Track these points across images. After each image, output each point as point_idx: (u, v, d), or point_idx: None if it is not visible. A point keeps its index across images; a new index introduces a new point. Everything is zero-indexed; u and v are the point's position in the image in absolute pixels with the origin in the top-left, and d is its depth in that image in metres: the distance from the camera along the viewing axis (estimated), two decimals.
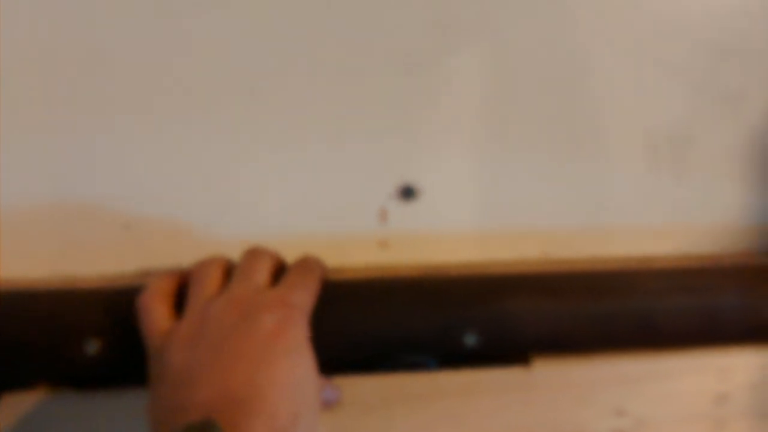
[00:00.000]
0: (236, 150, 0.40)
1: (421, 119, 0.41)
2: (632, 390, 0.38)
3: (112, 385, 0.36)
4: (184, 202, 0.41)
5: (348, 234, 0.42)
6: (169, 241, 0.41)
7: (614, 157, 0.43)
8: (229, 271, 0.35)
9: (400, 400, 0.37)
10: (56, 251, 0.40)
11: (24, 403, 0.36)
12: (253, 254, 0.35)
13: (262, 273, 0.34)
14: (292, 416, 0.30)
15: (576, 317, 0.37)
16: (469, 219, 0.43)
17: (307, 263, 0.36)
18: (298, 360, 0.31)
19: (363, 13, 0.39)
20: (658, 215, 0.44)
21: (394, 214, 0.42)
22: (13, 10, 0.37)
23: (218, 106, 0.40)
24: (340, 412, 0.37)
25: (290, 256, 0.37)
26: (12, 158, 0.39)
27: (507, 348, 0.37)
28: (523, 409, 0.38)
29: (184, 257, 0.37)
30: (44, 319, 0.35)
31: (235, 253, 0.36)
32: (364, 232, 0.42)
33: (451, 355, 0.38)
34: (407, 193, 0.42)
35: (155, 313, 0.33)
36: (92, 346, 0.34)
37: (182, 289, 0.35)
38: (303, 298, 0.33)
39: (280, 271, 0.36)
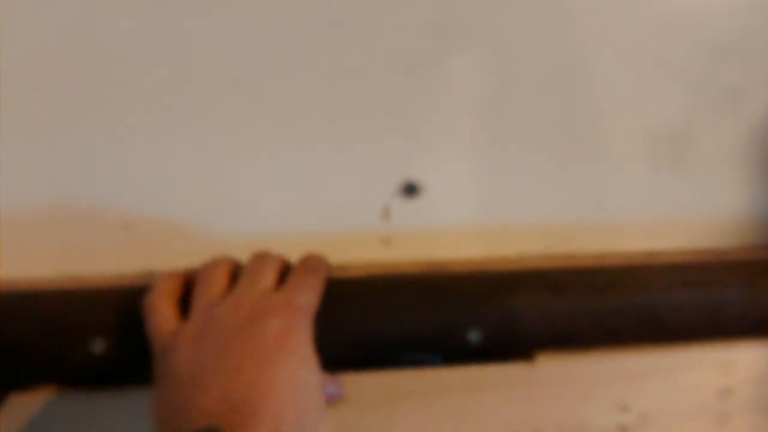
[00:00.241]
0: (237, 149, 0.40)
1: (423, 118, 0.41)
2: (636, 385, 0.38)
3: (117, 384, 0.36)
4: (186, 201, 0.41)
5: (351, 232, 0.42)
6: (170, 241, 0.41)
7: (615, 154, 0.43)
8: (235, 272, 0.35)
9: (405, 396, 0.38)
10: (57, 252, 0.40)
11: (29, 403, 0.36)
12: (260, 257, 0.35)
13: (268, 276, 0.34)
14: (296, 420, 0.30)
15: (579, 313, 0.37)
16: (471, 216, 0.43)
17: (311, 262, 0.36)
18: (301, 364, 0.31)
19: (363, 13, 0.39)
20: (660, 211, 0.44)
21: (396, 212, 0.42)
22: (13, 11, 0.37)
23: (219, 106, 0.40)
24: (345, 409, 0.37)
25: (293, 254, 0.37)
26: (12, 159, 0.39)
27: (510, 344, 0.37)
28: (526, 405, 0.38)
29: (186, 257, 0.37)
30: (49, 320, 0.35)
31: (237, 253, 0.36)
32: (367, 229, 0.42)
33: (454, 352, 0.38)
34: (410, 190, 0.42)
35: (161, 313, 0.33)
36: (97, 346, 0.34)
37: (189, 290, 0.35)
38: (307, 299, 0.33)
39: (285, 273, 0.36)
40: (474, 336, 0.37)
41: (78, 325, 0.35)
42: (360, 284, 0.38)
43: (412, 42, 0.40)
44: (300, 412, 0.30)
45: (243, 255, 0.36)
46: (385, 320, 0.36)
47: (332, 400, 0.37)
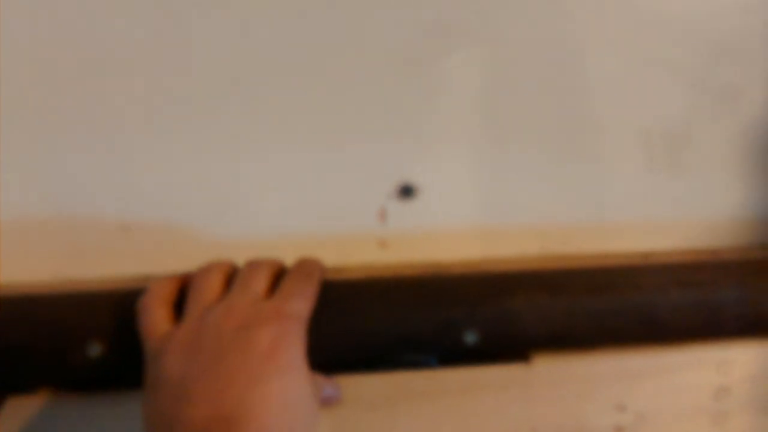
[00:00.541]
0: (234, 151, 0.40)
1: (420, 119, 0.41)
2: (633, 385, 0.39)
3: (114, 388, 0.36)
4: (183, 203, 0.41)
5: (347, 234, 0.42)
6: (168, 243, 0.41)
7: (612, 154, 0.43)
8: (231, 277, 0.35)
9: (402, 398, 0.38)
10: (56, 255, 0.40)
11: (27, 407, 0.36)
12: (253, 264, 0.35)
13: (261, 282, 0.34)
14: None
15: (575, 313, 0.37)
16: (468, 217, 0.43)
17: (305, 267, 0.36)
18: (292, 378, 0.31)
19: (361, 13, 0.39)
20: (656, 211, 0.44)
21: (393, 214, 0.42)
22: (12, 14, 0.37)
23: (216, 107, 0.40)
24: (342, 411, 0.37)
25: (289, 256, 0.37)
26: (10, 162, 0.39)
27: (507, 345, 0.38)
28: (523, 406, 0.38)
29: (184, 259, 0.38)
30: (46, 323, 0.35)
31: (234, 255, 0.36)
32: (364, 231, 0.42)
33: (451, 353, 0.38)
34: (406, 192, 0.42)
35: (154, 316, 0.33)
36: (94, 349, 0.34)
37: (183, 294, 0.35)
38: (300, 307, 0.33)
39: (280, 276, 0.36)
40: (471, 337, 0.37)
41: (75, 328, 0.35)
42: (357, 286, 0.38)
43: (409, 42, 0.40)
44: (290, 424, 0.30)
45: (240, 257, 0.36)
46: (382, 322, 0.37)
47: (329, 402, 0.37)
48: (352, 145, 0.41)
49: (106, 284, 0.39)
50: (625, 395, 0.39)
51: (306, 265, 0.36)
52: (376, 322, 0.36)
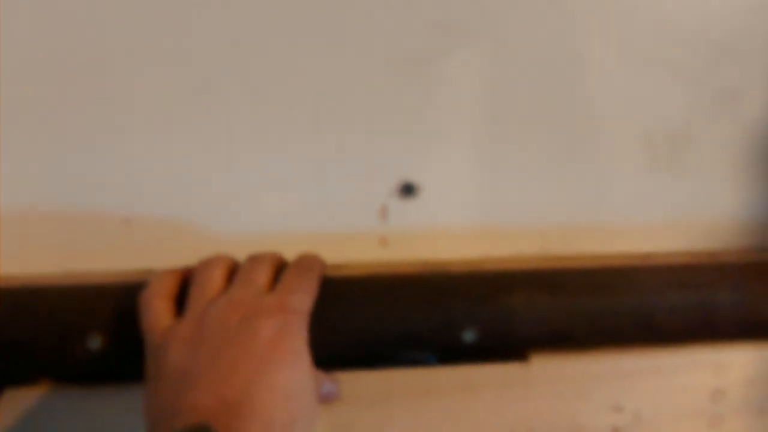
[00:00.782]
0: (236, 148, 0.40)
1: (422, 118, 0.41)
2: (630, 385, 0.39)
3: (114, 380, 0.36)
4: (184, 198, 0.41)
5: (348, 231, 0.42)
6: (168, 238, 0.41)
7: (612, 154, 0.43)
8: (232, 271, 0.35)
9: (400, 395, 0.38)
10: (57, 248, 0.40)
11: (26, 398, 0.36)
12: (255, 257, 0.36)
13: (262, 275, 0.34)
14: (287, 424, 0.30)
15: (574, 313, 0.38)
16: (468, 216, 0.43)
17: (306, 262, 0.36)
18: (295, 368, 0.32)
19: (364, 11, 0.39)
20: (656, 212, 0.44)
21: (394, 212, 0.42)
22: (13, 11, 0.37)
23: (218, 104, 0.40)
24: (340, 408, 0.37)
25: (290, 253, 0.37)
26: (13, 155, 0.39)
27: (505, 344, 0.38)
28: (521, 405, 0.38)
29: (185, 254, 0.37)
30: (46, 315, 0.36)
31: (234, 250, 0.36)
32: (365, 229, 0.42)
33: (450, 351, 0.38)
34: (407, 190, 0.42)
35: (156, 310, 0.33)
36: (95, 342, 0.35)
37: (185, 288, 0.35)
38: (302, 301, 0.34)
39: (281, 271, 0.36)
40: (469, 335, 0.37)
41: (76, 321, 0.35)
42: (356, 284, 0.38)
43: (410, 40, 0.40)
44: (292, 414, 0.30)
45: (240, 253, 0.36)
46: (381, 319, 0.37)
47: (328, 399, 0.37)
48: (353, 143, 0.41)
49: (107, 278, 0.39)
50: (622, 396, 0.39)
51: (306, 260, 0.36)
52: (376, 320, 0.37)
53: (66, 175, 0.40)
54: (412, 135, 0.42)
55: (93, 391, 0.36)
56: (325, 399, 0.36)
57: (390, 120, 0.41)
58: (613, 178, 0.44)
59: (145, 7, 0.38)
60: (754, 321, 0.39)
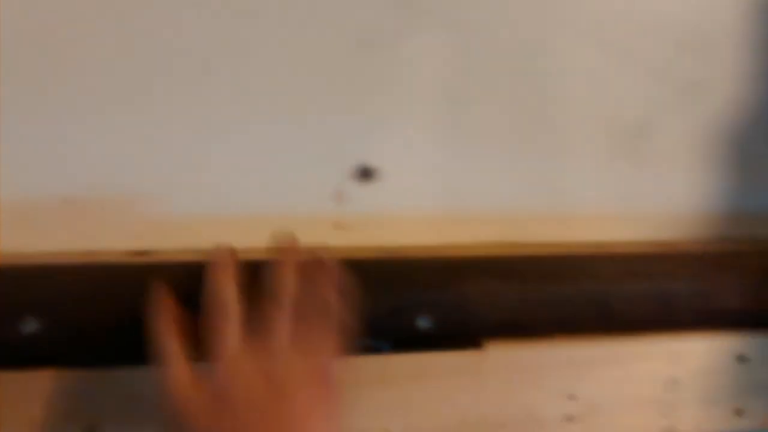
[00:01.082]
0: (189, 131, 0.39)
1: (381, 100, 0.41)
2: (584, 374, 0.39)
3: (50, 365, 0.35)
4: (137, 179, 0.39)
5: (303, 214, 0.41)
6: (113, 219, 0.39)
7: (574, 143, 0.43)
8: (239, 280, 0.33)
9: (354, 383, 0.37)
10: None
11: None
12: (272, 302, 0.33)
13: (285, 325, 0.32)
14: None
15: (530, 301, 0.37)
16: (426, 201, 0.43)
17: (326, 305, 0.34)
18: None
19: None
20: (615, 202, 0.44)
21: (350, 195, 0.42)
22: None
23: (172, 86, 0.39)
24: None
25: (245, 236, 0.36)
26: None
27: (460, 331, 0.37)
28: (475, 393, 0.38)
29: (129, 236, 0.37)
30: None
31: (186, 232, 0.35)
32: (320, 212, 0.42)
33: (404, 339, 0.37)
34: (365, 174, 0.42)
35: (176, 367, 0.31)
36: (29, 325, 0.33)
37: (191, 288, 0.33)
38: (333, 367, 0.32)
39: (305, 272, 0.34)
40: (423, 322, 0.36)
41: (8, 303, 0.33)
42: None
43: (372, 19, 0.39)
44: None
45: (193, 235, 0.36)
46: None
47: None
48: (311, 125, 0.40)
49: (44, 258, 0.37)
50: (576, 384, 0.39)
51: (326, 300, 0.34)
52: None
53: (10, 152, 0.38)
54: (372, 118, 0.41)
55: (28, 377, 0.35)
56: None
57: (350, 102, 0.40)
58: (574, 167, 0.43)
59: None
60: (711, 311, 0.39)
